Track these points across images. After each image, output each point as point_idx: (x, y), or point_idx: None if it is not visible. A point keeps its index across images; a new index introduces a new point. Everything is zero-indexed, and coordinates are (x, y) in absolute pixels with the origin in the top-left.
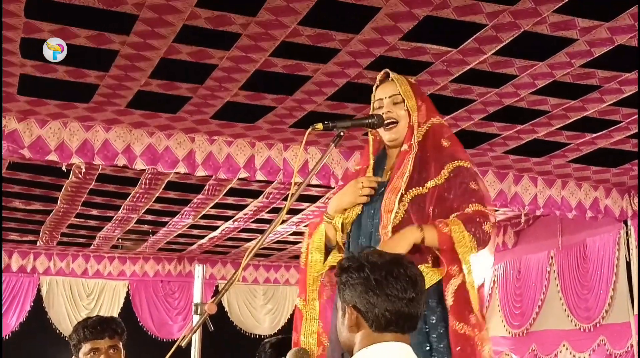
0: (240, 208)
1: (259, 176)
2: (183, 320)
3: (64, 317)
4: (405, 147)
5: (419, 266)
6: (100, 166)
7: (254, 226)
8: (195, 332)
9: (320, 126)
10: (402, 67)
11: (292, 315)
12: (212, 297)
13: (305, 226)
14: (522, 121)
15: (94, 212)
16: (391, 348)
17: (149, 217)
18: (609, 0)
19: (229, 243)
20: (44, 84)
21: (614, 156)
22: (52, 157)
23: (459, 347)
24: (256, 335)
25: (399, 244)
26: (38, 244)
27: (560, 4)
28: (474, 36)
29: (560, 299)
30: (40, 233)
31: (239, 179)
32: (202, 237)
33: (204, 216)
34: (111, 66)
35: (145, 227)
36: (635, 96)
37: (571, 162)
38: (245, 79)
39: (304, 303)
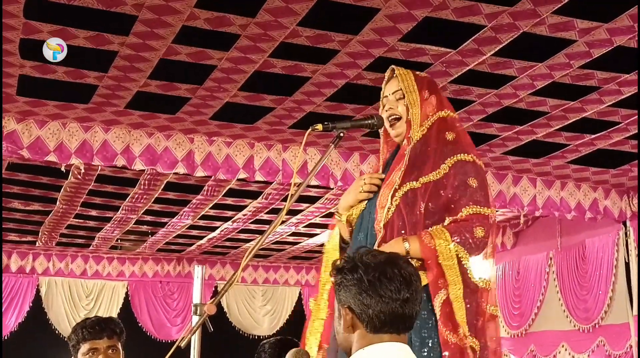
0: (240, 208)
1: (258, 176)
2: (182, 320)
3: (63, 318)
4: (405, 142)
5: None
6: (99, 167)
7: (253, 226)
8: (194, 332)
9: (320, 126)
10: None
11: (291, 316)
12: (211, 298)
13: (304, 227)
14: (521, 122)
15: (93, 213)
16: (390, 348)
17: (148, 218)
18: (608, 2)
19: (228, 243)
20: (43, 84)
21: (613, 157)
22: (51, 158)
23: (447, 353)
24: (255, 335)
25: None
26: (37, 244)
27: (559, 5)
28: (473, 37)
29: (559, 300)
30: (39, 234)
31: (238, 180)
32: (201, 238)
33: (203, 217)
34: (110, 67)
35: (145, 228)
36: (634, 97)
37: (570, 163)
38: (245, 80)
39: (315, 303)
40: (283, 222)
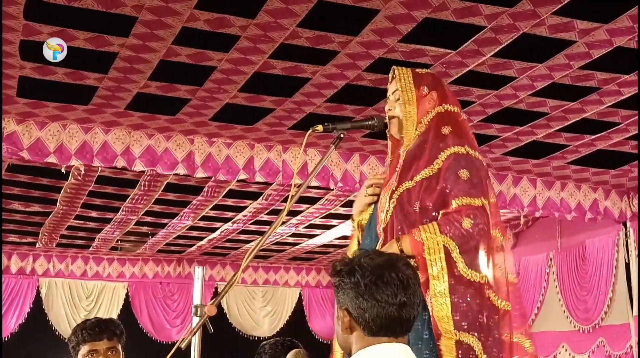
0: (240, 209)
1: (258, 177)
2: (182, 321)
3: (63, 319)
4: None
5: None
6: (100, 168)
7: (253, 227)
8: (194, 333)
9: (320, 127)
10: None
11: (291, 317)
12: (211, 299)
13: (304, 227)
14: (521, 122)
15: (93, 214)
16: (391, 348)
17: (148, 219)
18: (608, 2)
19: (228, 244)
20: (43, 86)
21: (613, 157)
22: (51, 159)
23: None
24: (255, 336)
25: None
26: (37, 246)
27: (559, 6)
28: (473, 38)
29: (560, 300)
30: (40, 235)
31: (238, 181)
32: (202, 239)
33: (203, 218)
34: (110, 68)
35: (145, 229)
36: (634, 97)
37: (570, 164)
38: (245, 81)
39: None
40: (283, 223)
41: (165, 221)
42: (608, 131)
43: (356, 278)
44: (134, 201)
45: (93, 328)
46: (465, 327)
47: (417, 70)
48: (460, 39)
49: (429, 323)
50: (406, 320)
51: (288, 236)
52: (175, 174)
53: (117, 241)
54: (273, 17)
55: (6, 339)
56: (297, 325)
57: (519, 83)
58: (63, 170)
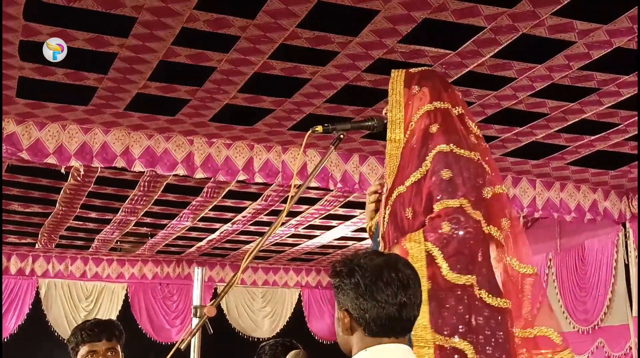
0: (239, 210)
1: (258, 178)
2: (182, 322)
3: (62, 320)
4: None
5: None
6: (99, 169)
7: (252, 228)
8: (194, 334)
9: (320, 128)
10: None
11: (290, 318)
12: (211, 300)
13: (304, 228)
14: (521, 123)
15: (93, 215)
16: (392, 349)
17: (148, 219)
18: (607, 3)
19: (228, 245)
20: (43, 86)
21: (613, 158)
22: (51, 160)
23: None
24: (255, 337)
25: None
26: (36, 246)
27: (559, 7)
28: (473, 39)
29: (559, 301)
30: (39, 236)
31: (238, 181)
32: (201, 239)
33: (203, 219)
34: (110, 69)
35: (144, 229)
36: (633, 98)
37: (570, 164)
38: (244, 82)
39: None
40: (283, 224)
41: (164, 221)
42: (607, 131)
43: (356, 279)
44: (133, 202)
45: (92, 329)
46: (447, 332)
47: (412, 69)
48: (459, 39)
49: None
50: (407, 320)
51: (287, 237)
52: (175, 175)
53: (116, 242)
54: (273, 17)
55: (5, 340)
56: (296, 326)
57: (518, 84)
58: (62, 171)
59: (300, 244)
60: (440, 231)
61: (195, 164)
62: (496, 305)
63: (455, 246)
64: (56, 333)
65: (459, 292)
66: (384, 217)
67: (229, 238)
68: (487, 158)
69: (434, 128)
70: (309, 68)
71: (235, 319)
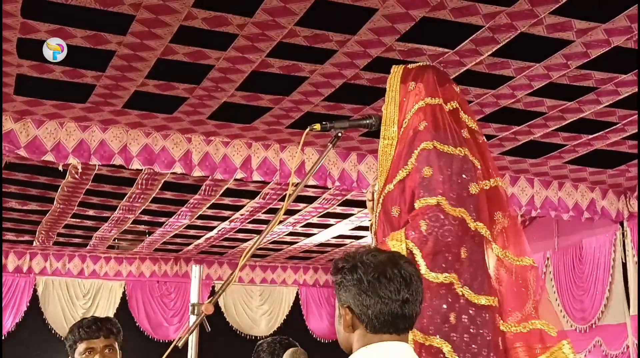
0: (237, 208)
1: (256, 176)
2: (179, 320)
3: (60, 317)
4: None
5: None
6: (97, 166)
7: (250, 226)
8: (192, 332)
9: (318, 126)
10: None
11: (288, 316)
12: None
13: (301, 226)
14: (519, 122)
15: (91, 212)
16: (392, 347)
17: (146, 217)
18: (605, 2)
19: (226, 243)
20: (41, 84)
21: (611, 157)
22: (49, 157)
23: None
24: (252, 336)
25: None
26: (34, 244)
27: (557, 6)
28: (471, 37)
29: (556, 300)
30: (37, 233)
31: (236, 179)
32: (199, 237)
33: (201, 217)
34: (108, 66)
35: (142, 227)
36: (631, 97)
37: (568, 163)
38: (242, 80)
39: None
40: (280, 222)
41: (162, 219)
42: (605, 130)
43: (359, 275)
44: (131, 200)
45: (90, 326)
46: (432, 331)
47: (410, 65)
48: (458, 38)
49: None
50: (409, 317)
51: (285, 235)
52: (173, 173)
53: (114, 240)
54: (271, 15)
55: (3, 338)
56: (294, 324)
57: (516, 82)
58: (60, 168)
59: (298, 242)
60: (419, 230)
61: (193, 162)
62: (480, 303)
63: (432, 245)
64: (54, 331)
65: (442, 291)
66: (376, 215)
67: (226, 236)
68: (483, 152)
69: (422, 125)
70: (307, 66)
71: (233, 317)
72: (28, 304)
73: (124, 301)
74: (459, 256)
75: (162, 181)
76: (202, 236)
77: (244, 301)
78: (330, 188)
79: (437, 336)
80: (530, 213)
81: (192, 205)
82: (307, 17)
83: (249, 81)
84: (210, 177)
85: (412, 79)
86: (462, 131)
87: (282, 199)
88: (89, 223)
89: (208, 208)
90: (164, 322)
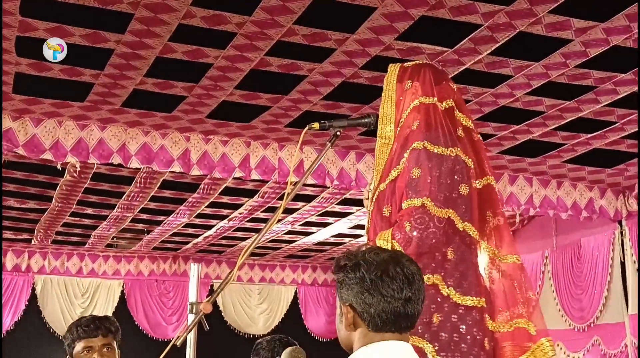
0: (236, 207)
1: (254, 175)
2: (178, 319)
3: (59, 316)
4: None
5: None
6: (95, 165)
7: (249, 225)
8: (190, 331)
9: (316, 125)
10: None
11: (286, 315)
12: (207, 296)
13: (300, 225)
14: (517, 121)
15: (89, 211)
16: (392, 347)
17: (144, 216)
18: (604, 1)
19: (224, 242)
20: (39, 82)
21: (609, 156)
22: (47, 156)
23: None
24: (250, 334)
25: None
26: (33, 243)
27: (556, 5)
28: (470, 36)
29: (555, 299)
30: (35, 232)
31: (234, 178)
32: (197, 236)
33: (199, 215)
34: (106, 65)
35: (140, 226)
36: (630, 96)
37: (566, 162)
38: (241, 79)
39: None
40: (279, 221)
41: (161, 218)
42: (604, 129)
43: (361, 273)
44: (129, 199)
45: (88, 325)
46: (421, 330)
47: (406, 64)
48: (456, 37)
49: None
50: (411, 316)
51: (284, 234)
52: (171, 172)
53: (112, 239)
54: (269, 14)
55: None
56: (292, 323)
57: (515, 81)
58: (59, 167)
59: (296, 241)
60: (404, 231)
61: (192, 161)
62: (466, 304)
63: (415, 246)
64: (52, 330)
65: (431, 291)
66: (369, 214)
67: (225, 234)
68: (478, 150)
69: (414, 125)
70: (306, 65)
71: (231, 316)
72: (26, 303)
73: (122, 300)
74: (446, 257)
75: (161, 180)
76: (200, 234)
77: (242, 300)
78: (329, 187)
79: (426, 335)
80: (528, 212)
81: (190, 204)
82: (306, 16)
83: (247, 79)
84: (208, 176)
85: (408, 77)
86: (457, 129)
87: (281, 198)
88: (87, 221)
89: (207, 206)
90: (163, 320)
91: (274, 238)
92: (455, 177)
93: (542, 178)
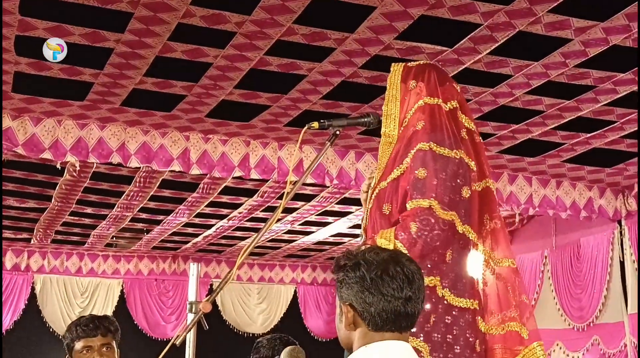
0: (235, 206)
1: (254, 174)
2: (177, 318)
3: (58, 315)
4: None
5: None
6: (95, 164)
7: (248, 224)
8: (189, 330)
9: (316, 124)
10: None
11: (285, 314)
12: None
13: (300, 225)
14: (517, 120)
15: (89, 210)
16: (392, 346)
17: (144, 215)
18: (604, 1)
19: (224, 241)
20: (39, 81)
21: (609, 156)
22: (47, 155)
23: None
24: (250, 333)
25: None
26: (32, 242)
27: (555, 4)
28: (469, 36)
29: (554, 298)
30: (34, 231)
31: (234, 177)
32: (197, 235)
33: (199, 215)
34: (106, 64)
35: (140, 225)
36: (629, 96)
37: (565, 162)
38: (240, 78)
39: None
40: (278, 220)
41: (160, 217)
42: (603, 129)
43: (361, 272)
44: (129, 198)
45: (87, 325)
46: (415, 332)
47: (410, 63)
48: (456, 36)
49: None
50: (411, 315)
51: (283, 234)
52: (171, 171)
53: (112, 238)
54: (269, 13)
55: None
56: (292, 322)
57: (514, 81)
58: (58, 166)
59: (296, 240)
60: (409, 232)
61: (191, 160)
62: (460, 306)
63: (420, 248)
64: (51, 329)
65: (427, 292)
66: (367, 211)
67: (224, 234)
68: (479, 153)
69: (419, 125)
70: (306, 64)
71: (231, 315)
72: (26, 302)
73: (121, 300)
74: (445, 258)
75: (160, 179)
76: (200, 234)
77: (241, 299)
78: (329, 186)
79: (421, 335)
80: (528, 211)
81: (190, 203)
82: (306, 15)
83: (247, 79)
84: (208, 175)
85: (412, 77)
86: (461, 131)
87: (280, 198)
88: (87, 221)
89: (206, 206)
90: (162, 320)
91: (273, 237)
92: (458, 180)
93: (541, 178)
